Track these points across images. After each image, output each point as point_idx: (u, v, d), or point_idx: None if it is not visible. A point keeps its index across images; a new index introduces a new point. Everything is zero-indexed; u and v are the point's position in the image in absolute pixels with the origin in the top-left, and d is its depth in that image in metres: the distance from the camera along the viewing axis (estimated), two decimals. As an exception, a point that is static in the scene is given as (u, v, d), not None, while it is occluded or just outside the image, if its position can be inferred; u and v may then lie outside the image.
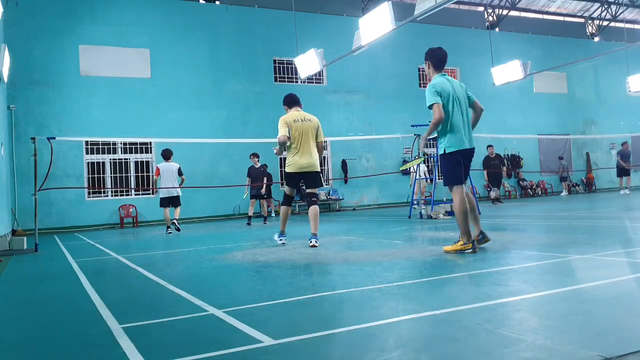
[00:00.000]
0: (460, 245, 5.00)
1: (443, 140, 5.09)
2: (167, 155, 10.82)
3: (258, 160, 12.94)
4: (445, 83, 5.06)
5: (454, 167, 5.06)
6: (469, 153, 5.13)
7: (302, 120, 6.55)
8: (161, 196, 10.93)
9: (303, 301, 3.32)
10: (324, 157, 17.61)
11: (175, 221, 10.88)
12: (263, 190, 12.81)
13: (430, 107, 4.99)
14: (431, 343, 2.26)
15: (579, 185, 23.74)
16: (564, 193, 21.71)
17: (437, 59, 5.22)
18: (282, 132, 6.45)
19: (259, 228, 10.96)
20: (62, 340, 2.78)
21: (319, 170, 6.62)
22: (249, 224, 12.41)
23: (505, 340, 2.22)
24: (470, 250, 4.92)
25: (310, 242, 6.31)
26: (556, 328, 2.37)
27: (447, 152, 5.07)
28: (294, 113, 6.66)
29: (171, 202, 10.89)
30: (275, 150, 6.76)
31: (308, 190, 6.60)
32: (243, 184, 16.29)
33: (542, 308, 2.81)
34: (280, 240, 6.81)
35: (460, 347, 2.16)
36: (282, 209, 6.76)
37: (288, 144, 6.52)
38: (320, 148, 6.68)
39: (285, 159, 6.70)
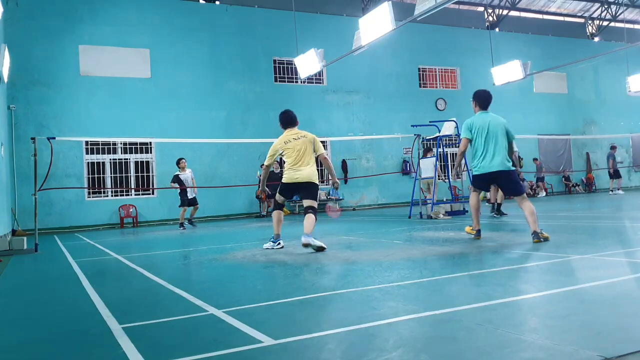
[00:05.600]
0: (470, 229, 6.44)
1: (473, 164, 6.27)
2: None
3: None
4: (482, 119, 6.18)
5: (477, 182, 6.33)
6: (491, 175, 6.11)
7: (295, 139, 6.45)
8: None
9: (303, 301, 3.32)
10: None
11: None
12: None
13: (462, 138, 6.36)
14: (431, 343, 2.26)
15: (579, 185, 23.73)
16: (542, 194, 20.71)
17: (483, 100, 6.31)
18: (267, 161, 6.61)
19: (260, 228, 10.97)
20: (62, 340, 2.78)
21: (315, 182, 6.40)
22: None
23: (505, 340, 2.22)
24: (473, 236, 6.26)
25: (302, 241, 6.00)
26: (556, 328, 2.37)
27: (474, 173, 6.30)
28: (286, 135, 6.56)
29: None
30: (258, 176, 7.17)
31: (305, 204, 6.38)
32: (244, 185, 16.35)
33: (542, 308, 2.81)
34: (277, 245, 6.46)
35: (460, 347, 2.16)
36: (274, 213, 6.60)
37: (272, 169, 6.94)
38: (324, 159, 6.57)
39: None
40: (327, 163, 6.62)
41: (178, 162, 12.45)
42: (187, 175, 12.36)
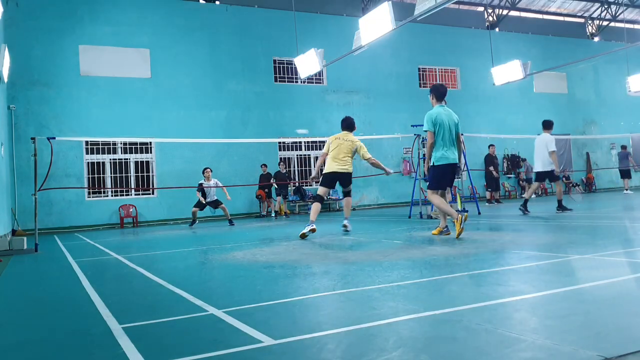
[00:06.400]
0: (458, 225, 6.20)
1: (433, 155, 6.52)
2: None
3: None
4: (441, 113, 6.53)
5: (439, 177, 6.53)
6: (453, 167, 6.53)
7: (345, 140, 8.03)
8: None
9: (303, 301, 3.32)
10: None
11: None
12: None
13: (426, 131, 6.54)
14: (431, 343, 2.26)
15: (579, 185, 23.72)
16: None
17: (439, 93, 6.68)
18: (324, 150, 8.19)
19: (260, 228, 10.96)
20: (62, 340, 2.78)
21: (351, 172, 8.07)
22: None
23: (505, 340, 2.22)
24: (465, 216, 6.20)
25: (343, 223, 8.09)
26: (556, 328, 2.37)
27: (435, 164, 6.50)
28: (339, 134, 8.17)
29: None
30: (313, 176, 8.55)
31: (344, 189, 8.22)
32: (244, 185, 16.36)
33: (542, 308, 2.81)
34: (310, 226, 7.48)
35: (460, 347, 2.16)
36: (315, 204, 7.83)
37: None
38: (372, 163, 8.32)
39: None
40: (374, 163, 8.30)
41: (203, 172, 13.11)
42: (209, 184, 13.00)
